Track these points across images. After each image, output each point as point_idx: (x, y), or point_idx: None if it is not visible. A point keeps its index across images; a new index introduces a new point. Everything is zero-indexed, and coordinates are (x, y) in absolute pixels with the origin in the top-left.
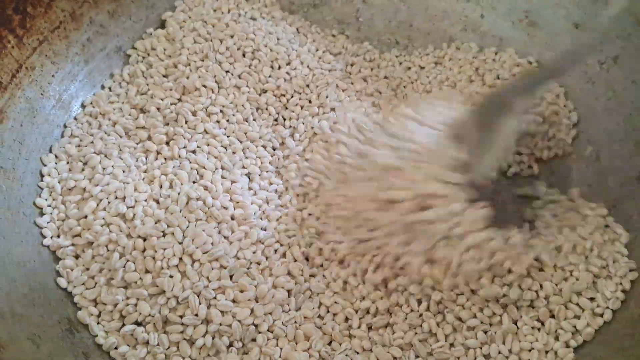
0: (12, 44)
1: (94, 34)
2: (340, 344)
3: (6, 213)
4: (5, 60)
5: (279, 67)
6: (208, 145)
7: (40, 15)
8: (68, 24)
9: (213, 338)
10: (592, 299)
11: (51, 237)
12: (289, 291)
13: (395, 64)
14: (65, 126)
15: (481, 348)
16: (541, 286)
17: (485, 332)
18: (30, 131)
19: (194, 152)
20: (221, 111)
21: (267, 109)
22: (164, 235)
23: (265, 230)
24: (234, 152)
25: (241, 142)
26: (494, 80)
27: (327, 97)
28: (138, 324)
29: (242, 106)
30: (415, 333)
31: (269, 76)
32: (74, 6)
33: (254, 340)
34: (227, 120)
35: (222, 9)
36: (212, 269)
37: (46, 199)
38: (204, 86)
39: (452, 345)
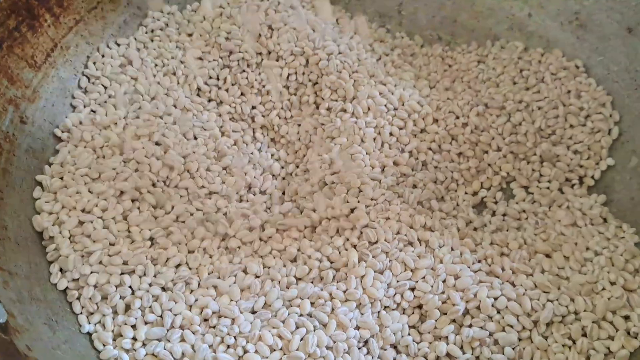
0: (49, 23)
1: (130, 16)
2: None
3: (32, 194)
4: (41, 39)
5: (316, 57)
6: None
7: None
8: (105, 4)
9: None
10: (626, 318)
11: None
12: None
13: (436, 58)
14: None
15: None
16: (572, 300)
17: (513, 348)
18: (61, 111)
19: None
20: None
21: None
22: None
23: None
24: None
25: None
26: (539, 82)
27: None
28: None
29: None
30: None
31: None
32: None
33: None
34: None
35: None
36: None
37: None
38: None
39: (477, 358)
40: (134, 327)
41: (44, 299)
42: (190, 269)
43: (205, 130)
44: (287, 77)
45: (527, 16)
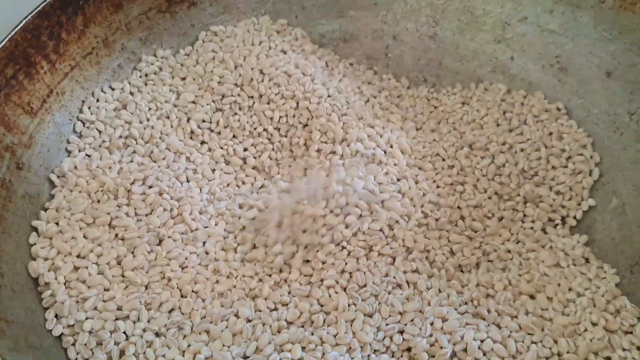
0: (45, 70)
1: (125, 60)
2: None
3: (28, 240)
4: (37, 85)
5: (306, 100)
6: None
7: (73, 41)
8: (100, 50)
9: None
10: (608, 359)
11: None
12: None
13: (422, 100)
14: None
15: None
16: (555, 342)
17: None
18: (56, 156)
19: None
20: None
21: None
22: None
23: None
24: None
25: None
26: (522, 124)
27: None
28: None
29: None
30: None
31: (295, 108)
32: (107, 33)
33: None
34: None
35: (254, 41)
36: None
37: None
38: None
39: None
40: None
41: (39, 346)
42: (182, 313)
43: (197, 173)
44: (278, 120)
45: (510, 59)
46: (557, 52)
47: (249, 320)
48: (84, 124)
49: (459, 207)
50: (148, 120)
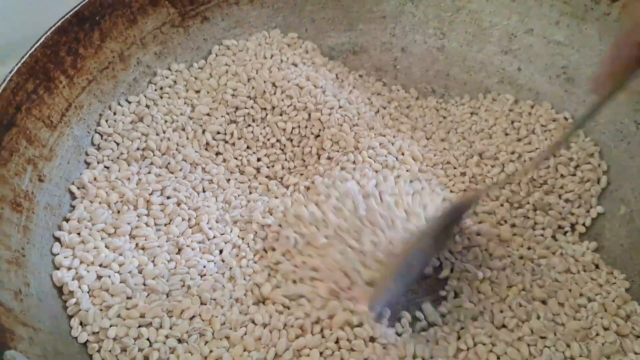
0: (64, 84)
1: (140, 74)
2: None
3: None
4: (57, 99)
5: (318, 112)
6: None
7: (90, 56)
8: (116, 64)
9: None
10: None
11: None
12: None
13: (431, 110)
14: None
15: None
16: (568, 346)
17: None
18: (76, 168)
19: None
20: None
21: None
22: None
23: None
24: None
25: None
26: (530, 134)
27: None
28: None
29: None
30: None
31: (307, 119)
32: (122, 47)
33: None
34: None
35: (265, 55)
36: None
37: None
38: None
39: None
40: None
41: (66, 352)
42: (203, 320)
43: (212, 183)
44: (291, 131)
45: (517, 70)
46: (564, 63)
47: (265, 326)
48: (101, 136)
49: (475, 213)
50: (164, 132)
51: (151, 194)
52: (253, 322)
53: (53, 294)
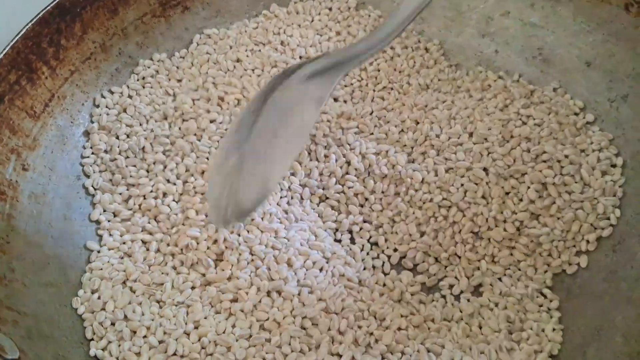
0: (46, 75)
1: (122, 65)
2: None
3: (36, 236)
4: (39, 90)
5: None
6: None
7: (72, 47)
8: (98, 54)
9: None
10: None
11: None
12: None
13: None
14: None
15: None
16: None
17: None
18: (60, 157)
19: None
20: None
21: None
22: None
23: None
24: None
25: None
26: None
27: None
28: None
29: None
30: None
31: None
32: (104, 38)
33: None
34: None
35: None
36: None
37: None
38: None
39: None
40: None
41: (51, 335)
42: None
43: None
44: None
45: (494, 52)
46: (539, 44)
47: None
48: (92, 121)
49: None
50: (147, 122)
51: None
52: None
53: (39, 280)
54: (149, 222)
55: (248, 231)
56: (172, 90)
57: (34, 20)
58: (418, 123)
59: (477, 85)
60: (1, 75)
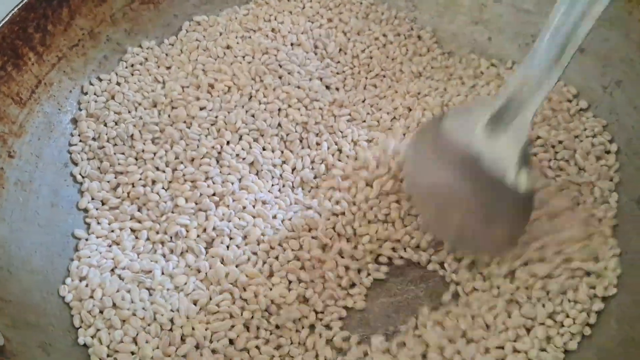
0: (32, 61)
1: (110, 52)
2: None
3: (22, 224)
4: (25, 76)
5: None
6: None
7: (59, 33)
8: (86, 41)
9: None
10: None
11: None
12: None
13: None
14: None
15: None
16: None
17: None
18: (47, 145)
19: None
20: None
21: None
22: None
23: None
24: None
25: None
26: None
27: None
28: None
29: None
30: None
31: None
32: (92, 25)
33: None
34: None
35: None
36: None
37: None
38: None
39: None
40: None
41: (36, 323)
42: None
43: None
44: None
45: (488, 40)
46: (533, 31)
47: None
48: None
49: None
50: (136, 109)
51: None
52: None
53: (24, 267)
54: (138, 210)
55: (239, 218)
56: (161, 77)
57: (20, 5)
58: (410, 110)
59: (469, 73)
60: None
